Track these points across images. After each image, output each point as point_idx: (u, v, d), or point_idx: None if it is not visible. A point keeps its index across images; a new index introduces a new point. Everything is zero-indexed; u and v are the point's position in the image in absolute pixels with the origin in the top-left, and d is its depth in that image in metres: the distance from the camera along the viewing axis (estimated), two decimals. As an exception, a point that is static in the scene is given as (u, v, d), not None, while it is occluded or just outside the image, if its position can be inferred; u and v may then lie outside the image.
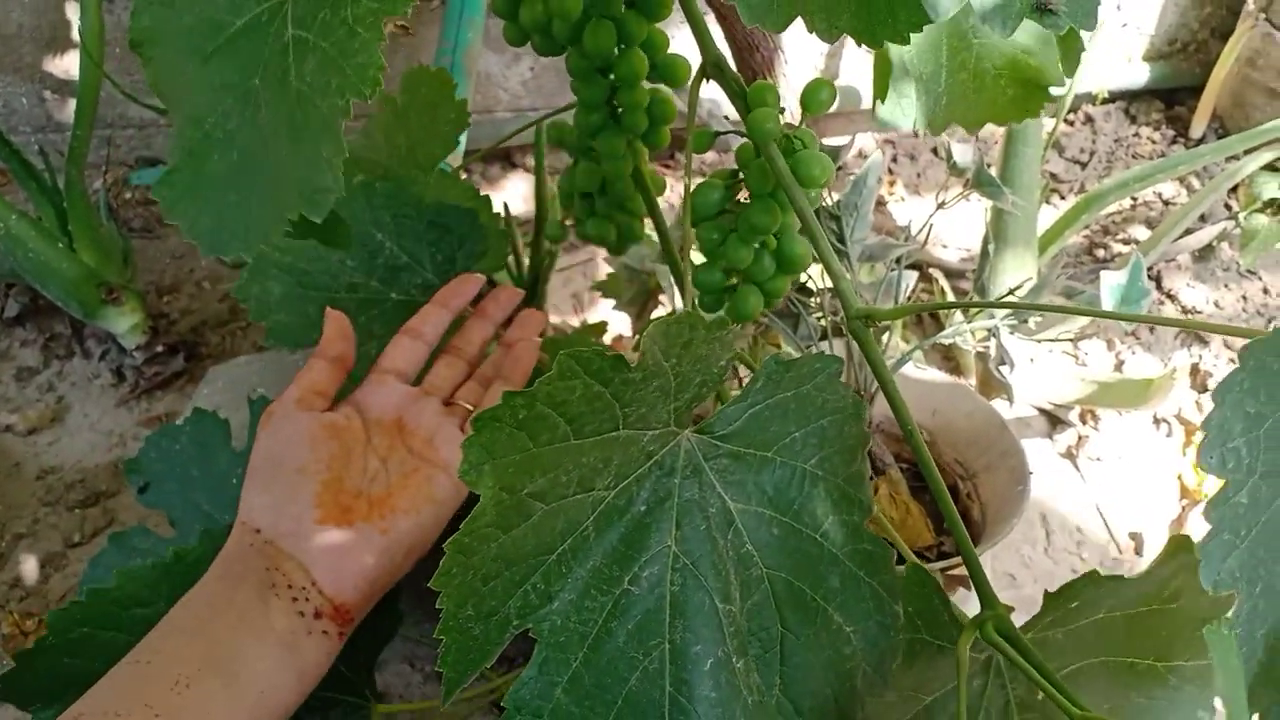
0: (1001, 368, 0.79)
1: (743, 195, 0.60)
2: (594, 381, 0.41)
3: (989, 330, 0.78)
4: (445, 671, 0.42)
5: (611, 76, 0.61)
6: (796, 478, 0.45)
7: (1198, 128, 1.54)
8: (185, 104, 0.51)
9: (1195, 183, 1.49)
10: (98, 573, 0.76)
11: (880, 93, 0.56)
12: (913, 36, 0.40)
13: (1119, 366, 1.23)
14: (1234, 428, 0.34)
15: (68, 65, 1.40)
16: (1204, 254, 1.36)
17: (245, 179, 0.49)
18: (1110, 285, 0.71)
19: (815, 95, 0.54)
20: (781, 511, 0.45)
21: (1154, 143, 1.55)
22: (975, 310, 0.73)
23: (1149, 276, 1.36)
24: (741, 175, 0.59)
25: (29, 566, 1.05)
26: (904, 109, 0.58)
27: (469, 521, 0.41)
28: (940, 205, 0.82)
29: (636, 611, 0.43)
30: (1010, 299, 0.78)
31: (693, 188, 0.58)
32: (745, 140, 0.57)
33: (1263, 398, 0.34)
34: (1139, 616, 0.50)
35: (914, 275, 1.18)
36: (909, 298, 1.22)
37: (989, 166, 0.86)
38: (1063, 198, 1.48)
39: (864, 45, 0.40)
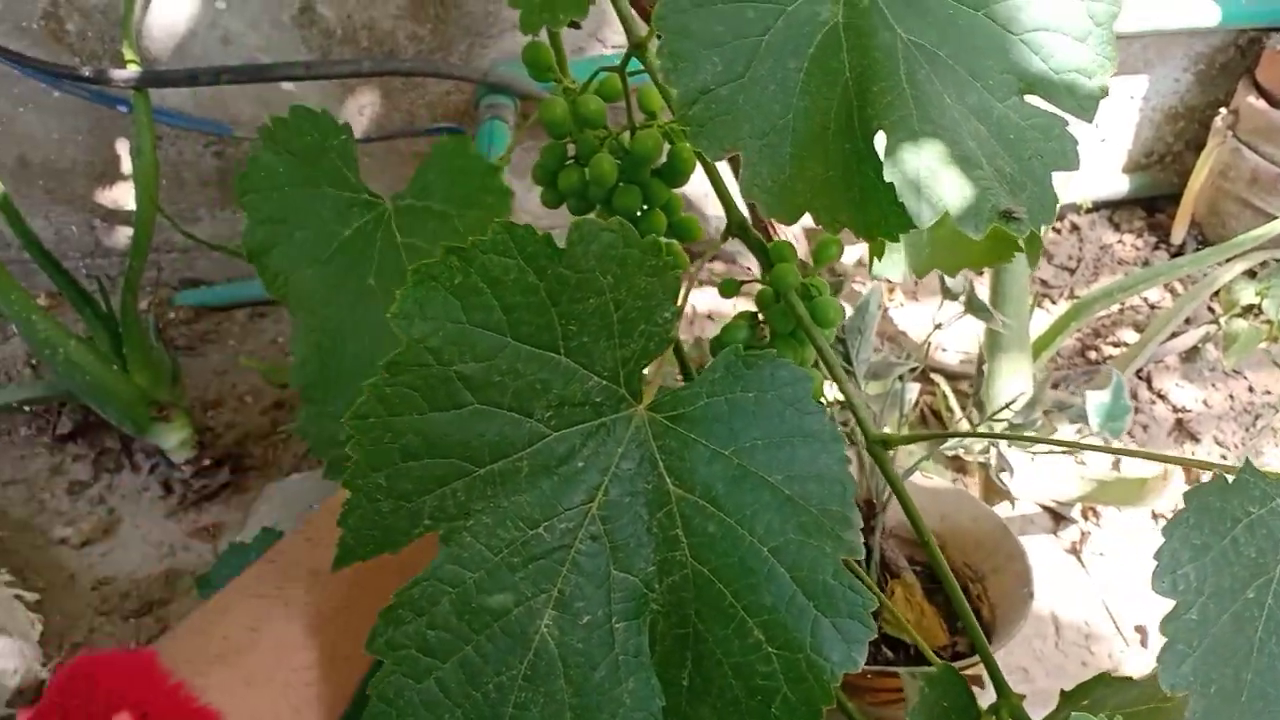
0: (1002, 474, 0.86)
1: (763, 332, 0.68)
2: (528, 268, 0.44)
3: (989, 441, 0.84)
4: (344, 532, 0.43)
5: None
6: (753, 485, 0.45)
7: (1178, 234, 1.63)
8: (305, 302, 0.60)
9: (1179, 287, 1.57)
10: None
11: (878, 254, 0.64)
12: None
13: (1116, 465, 1.30)
14: (1182, 556, 0.41)
15: (116, 196, 1.50)
16: (1190, 355, 1.44)
17: (368, 366, 0.57)
18: (1095, 404, 0.78)
19: (826, 250, 0.62)
20: (727, 512, 0.45)
21: (1137, 249, 1.64)
22: (977, 424, 0.80)
23: (1139, 377, 1.44)
24: (762, 316, 0.66)
25: (85, 675, 1.11)
26: (894, 262, 0.67)
27: (389, 366, 0.42)
28: (937, 326, 0.90)
29: (540, 555, 0.45)
30: (1007, 416, 0.86)
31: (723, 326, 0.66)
32: (764, 287, 0.65)
33: (1206, 531, 0.41)
34: (1139, 715, 0.56)
35: (916, 385, 1.26)
36: (913, 406, 1.29)
37: (976, 285, 0.95)
38: (1054, 303, 1.57)
39: (860, 238, 0.47)
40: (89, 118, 1.39)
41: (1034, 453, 0.88)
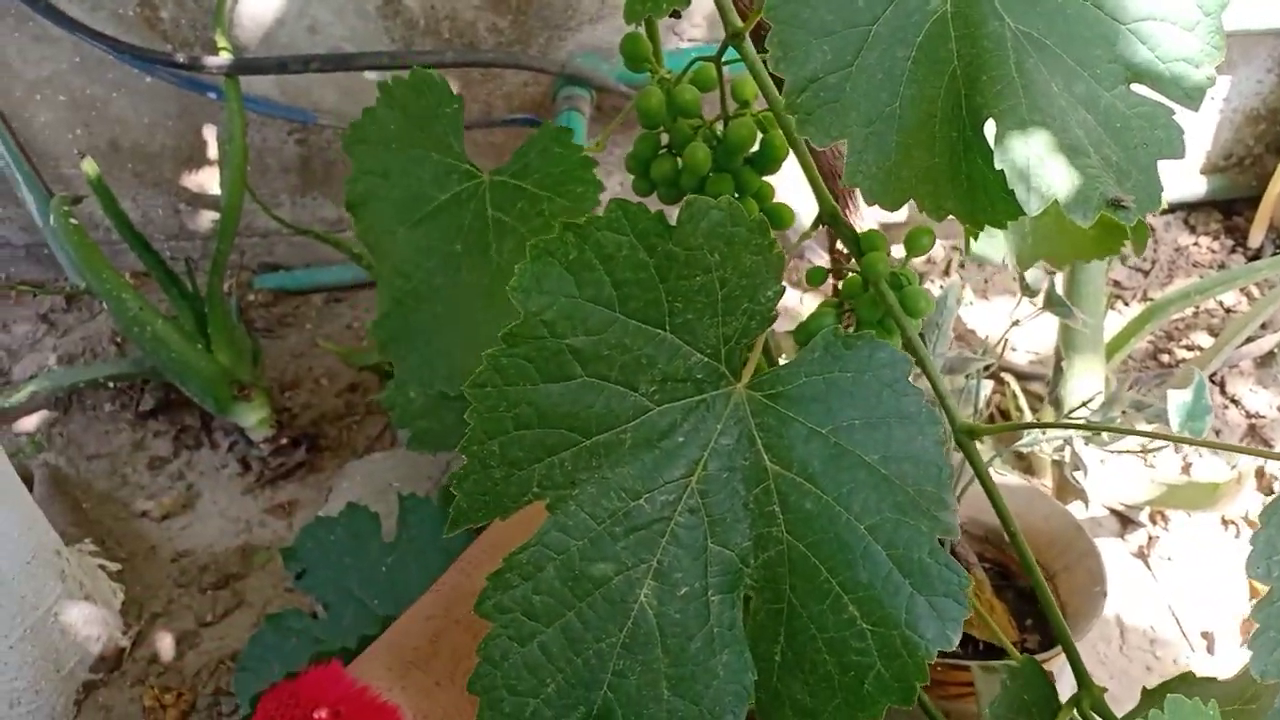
0: (1076, 473, 0.85)
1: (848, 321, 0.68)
2: (639, 244, 0.45)
3: (1064, 439, 0.84)
4: (458, 496, 0.45)
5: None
6: (850, 464, 0.46)
7: (1255, 237, 1.60)
8: (392, 258, 0.62)
9: (1255, 291, 1.55)
10: (256, 650, 0.84)
11: (974, 236, 0.64)
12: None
13: (1186, 469, 1.28)
14: (1278, 543, 0.41)
15: (201, 181, 1.54)
16: (1266, 360, 1.42)
17: (446, 329, 0.59)
18: (1177, 403, 0.78)
19: (918, 241, 0.63)
20: (824, 490, 0.46)
21: (1213, 251, 1.62)
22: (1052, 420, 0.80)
23: (1212, 381, 1.42)
24: (849, 305, 0.67)
25: (165, 644, 1.14)
26: (994, 245, 0.67)
27: (507, 337, 0.44)
28: (1015, 323, 0.90)
29: (641, 526, 0.46)
30: (1084, 415, 0.85)
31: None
32: (851, 275, 0.65)
33: (1304, 519, 0.41)
34: (1223, 715, 0.56)
35: (989, 382, 1.25)
36: (986, 403, 1.29)
37: (1055, 280, 0.94)
38: (1126, 304, 1.55)
39: (966, 224, 0.48)
40: (178, 104, 1.44)
41: (1108, 451, 0.88)
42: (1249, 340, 1.41)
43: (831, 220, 0.65)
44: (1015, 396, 1.29)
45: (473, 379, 0.44)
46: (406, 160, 0.61)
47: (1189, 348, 1.47)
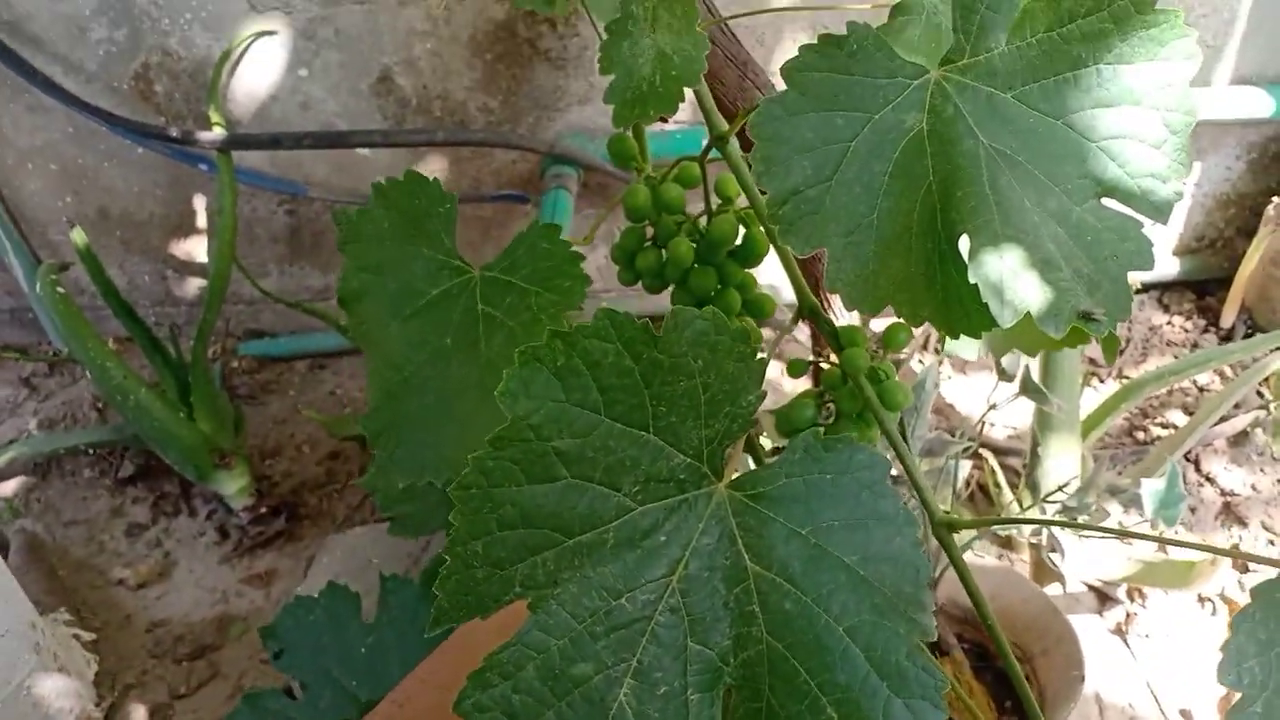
0: (1053, 555, 0.86)
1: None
2: (625, 352, 0.46)
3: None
4: (440, 596, 0.45)
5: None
6: (829, 565, 0.47)
7: (1227, 318, 1.63)
8: (384, 351, 0.63)
9: (1228, 370, 1.58)
10: (232, 730, 0.83)
11: (952, 336, 0.66)
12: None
13: (1163, 547, 1.30)
14: (1248, 650, 0.42)
15: (189, 248, 1.55)
16: (1239, 439, 1.44)
17: (436, 422, 0.60)
18: (1150, 491, 0.79)
19: (895, 337, 0.64)
20: (803, 591, 0.47)
21: (1186, 331, 1.65)
22: (1029, 505, 0.81)
23: (1187, 459, 1.44)
24: (828, 396, 0.68)
25: (138, 716, 1.13)
26: (968, 343, 0.68)
27: (494, 441, 0.45)
28: (992, 407, 0.91)
29: (621, 625, 0.46)
30: (1060, 498, 0.87)
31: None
32: (831, 368, 0.67)
33: (1272, 627, 0.42)
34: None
35: (967, 462, 1.27)
36: (966, 482, 1.30)
37: (1030, 365, 0.96)
38: (1101, 381, 1.58)
39: (943, 334, 0.50)
40: (168, 174, 1.45)
41: (1084, 536, 0.89)
42: (1223, 419, 1.43)
43: (812, 315, 0.66)
44: (994, 472, 1.30)
45: (459, 481, 0.44)
46: (400, 256, 0.62)
47: (1164, 425, 1.50)
